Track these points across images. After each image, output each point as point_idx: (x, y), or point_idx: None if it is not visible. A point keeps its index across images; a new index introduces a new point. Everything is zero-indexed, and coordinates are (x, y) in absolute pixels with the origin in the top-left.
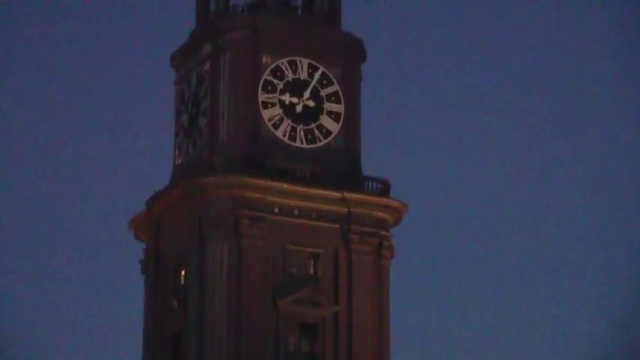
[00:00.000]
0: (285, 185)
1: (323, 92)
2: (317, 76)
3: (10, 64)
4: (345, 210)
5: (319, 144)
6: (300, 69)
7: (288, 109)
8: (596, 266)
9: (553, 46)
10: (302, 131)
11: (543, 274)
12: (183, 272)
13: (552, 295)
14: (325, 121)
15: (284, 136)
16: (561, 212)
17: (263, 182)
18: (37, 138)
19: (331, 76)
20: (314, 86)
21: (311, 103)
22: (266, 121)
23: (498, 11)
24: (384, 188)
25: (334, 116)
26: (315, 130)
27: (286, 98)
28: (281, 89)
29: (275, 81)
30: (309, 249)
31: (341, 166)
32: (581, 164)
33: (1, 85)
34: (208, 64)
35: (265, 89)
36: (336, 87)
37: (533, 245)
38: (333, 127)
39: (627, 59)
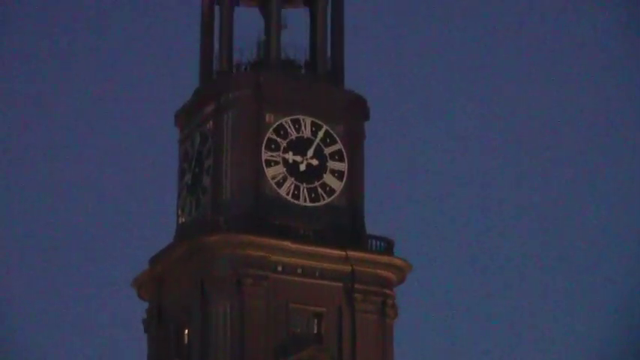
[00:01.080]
0: (288, 244)
1: (326, 150)
2: (320, 134)
3: (15, 125)
4: (348, 268)
5: (322, 202)
6: (303, 127)
7: (292, 168)
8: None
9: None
10: (305, 189)
11: (550, 325)
12: (186, 331)
13: (557, 335)
14: (329, 179)
15: (287, 194)
16: (562, 258)
17: (266, 241)
18: (39, 194)
19: (334, 135)
20: (317, 144)
21: (314, 162)
22: (269, 179)
23: (500, 64)
24: (387, 247)
25: (337, 174)
26: (319, 189)
27: (290, 157)
28: (284, 148)
29: (278, 139)
30: (313, 308)
31: (344, 225)
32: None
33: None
34: (212, 123)
35: (269, 147)
36: (339, 145)
37: (539, 299)
38: (337, 185)
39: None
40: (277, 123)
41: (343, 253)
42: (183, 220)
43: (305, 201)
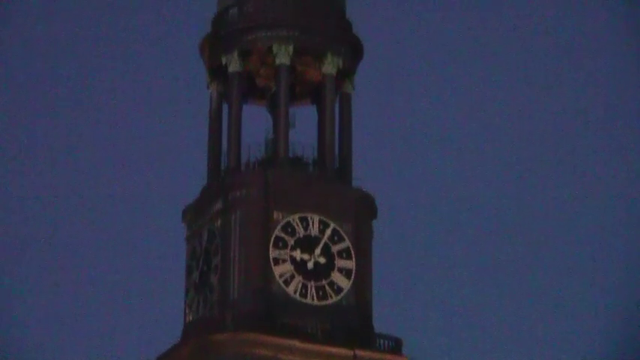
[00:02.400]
0: (296, 343)
1: (334, 249)
2: (328, 232)
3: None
4: None
5: (330, 301)
6: (311, 225)
7: (300, 266)
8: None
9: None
10: (313, 288)
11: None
12: None
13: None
14: (336, 277)
15: (295, 292)
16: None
17: (274, 340)
18: (47, 295)
19: (342, 233)
20: (325, 243)
21: (322, 260)
22: (277, 277)
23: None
24: (395, 346)
25: (345, 273)
26: (327, 287)
27: (297, 255)
28: (292, 246)
29: (286, 237)
30: None
31: (352, 323)
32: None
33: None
34: (219, 221)
35: (276, 246)
36: (347, 243)
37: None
38: (345, 283)
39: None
40: (285, 221)
41: (351, 352)
42: (191, 318)
43: (313, 299)
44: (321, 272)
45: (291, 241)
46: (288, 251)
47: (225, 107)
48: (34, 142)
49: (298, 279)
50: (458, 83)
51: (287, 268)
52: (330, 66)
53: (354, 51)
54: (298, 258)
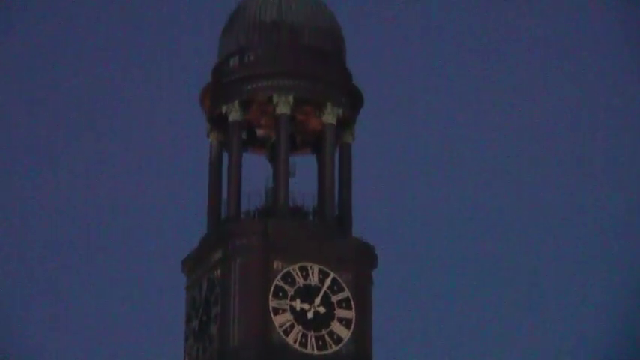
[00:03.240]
0: None
1: (334, 298)
2: (328, 282)
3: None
4: None
5: (330, 350)
6: (311, 275)
7: (299, 316)
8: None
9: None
10: (313, 337)
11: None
12: None
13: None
14: (336, 327)
15: (295, 342)
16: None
17: None
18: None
19: (342, 283)
20: (325, 292)
21: (322, 310)
22: (277, 327)
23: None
24: None
25: (345, 322)
26: (327, 337)
27: (297, 304)
28: (292, 295)
29: (286, 287)
30: None
31: None
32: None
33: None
34: (219, 270)
35: (276, 295)
36: (347, 293)
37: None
38: (344, 333)
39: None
40: (285, 270)
41: None
42: None
43: (313, 349)
44: (321, 322)
45: (290, 291)
46: (288, 301)
47: (225, 156)
48: (34, 200)
49: (298, 329)
50: (458, 133)
51: (287, 317)
52: (330, 116)
53: (354, 101)
54: (298, 307)
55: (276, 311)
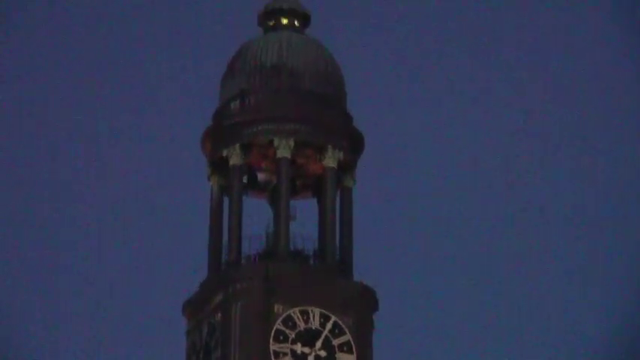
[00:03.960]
0: None
1: (335, 342)
2: (329, 325)
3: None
4: None
5: None
6: (312, 318)
7: (300, 359)
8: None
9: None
10: None
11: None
12: None
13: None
14: None
15: None
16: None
17: None
18: None
19: (343, 326)
20: (326, 336)
21: (323, 353)
22: None
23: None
24: None
25: None
26: None
27: (298, 348)
28: (293, 339)
29: (287, 330)
30: None
31: None
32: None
33: None
34: (219, 314)
35: (277, 339)
36: (348, 337)
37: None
38: None
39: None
40: (286, 314)
41: None
42: None
43: None
44: None
45: (291, 335)
46: (289, 345)
47: (225, 200)
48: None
49: None
50: (459, 177)
51: None
52: (330, 159)
53: (355, 144)
54: (299, 351)
55: (277, 355)
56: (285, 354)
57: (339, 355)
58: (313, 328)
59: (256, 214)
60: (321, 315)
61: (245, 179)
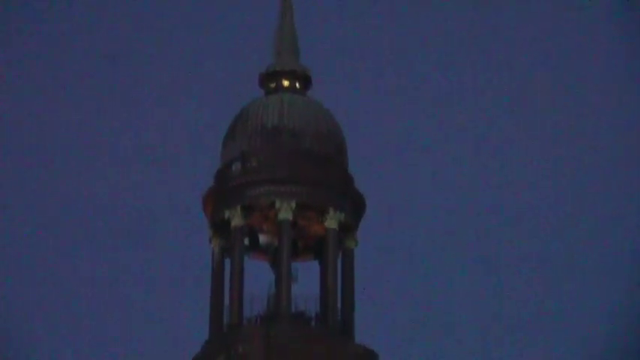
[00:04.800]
0: None
1: None
2: None
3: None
4: None
5: None
6: None
7: None
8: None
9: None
10: None
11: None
12: None
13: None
14: None
15: None
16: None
17: None
18: None
19: None
20: None
21: None
22: None
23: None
24: None
25: None
26: None
27: None
28: None
29: None
30: None
31: None
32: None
33: None
34: None
35: None
36: None
37: None
38: None
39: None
40: None
41: None
42: None
43: None
44: None
45: None
46: None
47: (227, 261)
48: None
49: None
50: (461, 239)
51: None
52: (332, 221)
53: (356, 206)
54: None
55: None
56: None
57: None
58: None
59: (258, 275)
60: None
61: (246, 241)
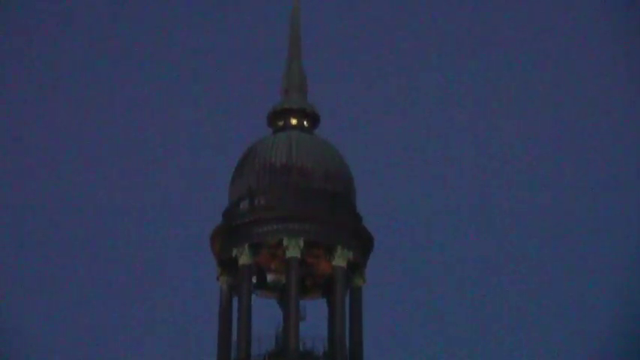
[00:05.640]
0: None
1: None
2: None
3: None
4: None
5: None
6: None
7: None
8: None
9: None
10: None
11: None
12: None
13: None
14: None
15: None
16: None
17: None
18: None
19: None
20: None
21: None
22: None
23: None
24: None
25: None
26: None
27: None
28: None
29: None
30: None
31: None
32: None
33: None
34: None
35: None
36: None
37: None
38: None
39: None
40: None
41: None
42: None
43: None
44: None
45: None
46: None
47: (235, 299)
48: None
49: None
50: (469, 279)
51: None
52: (340, 259)
53: (364, 244)
54: None
55: None
56: None
57: None
58: None
59: (265, 313)
60: None
61: (254, 278)
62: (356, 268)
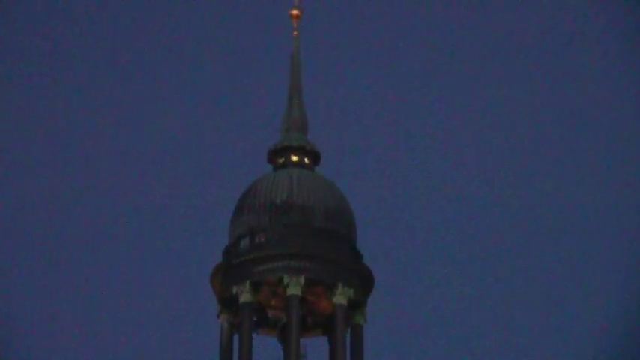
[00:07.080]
0: None
1: None
2: None
3: None
4: None
5: None
6: None
7: None
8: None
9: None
10: None
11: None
12: None
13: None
14: None
15: None
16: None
17: None
18: None
19: None
20: None
21: None
22: None
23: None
24: None
25: None
26: None
27: None
28: None
29: None
30: None
31: None
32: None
33: None
34: None
35: None
36: None
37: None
38: None
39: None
40: None
41: None
42: None
43: None
44: None
45: None
46: None
47: (235, 337)
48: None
49: None
50: (471, 315)
51: None
52: (341, 296)
53: (365, 281)
54: None
55: None
56: None
57: None
58: None
59: (266, 351)
60: None
61: (255, 317)
62: (357, 306)
